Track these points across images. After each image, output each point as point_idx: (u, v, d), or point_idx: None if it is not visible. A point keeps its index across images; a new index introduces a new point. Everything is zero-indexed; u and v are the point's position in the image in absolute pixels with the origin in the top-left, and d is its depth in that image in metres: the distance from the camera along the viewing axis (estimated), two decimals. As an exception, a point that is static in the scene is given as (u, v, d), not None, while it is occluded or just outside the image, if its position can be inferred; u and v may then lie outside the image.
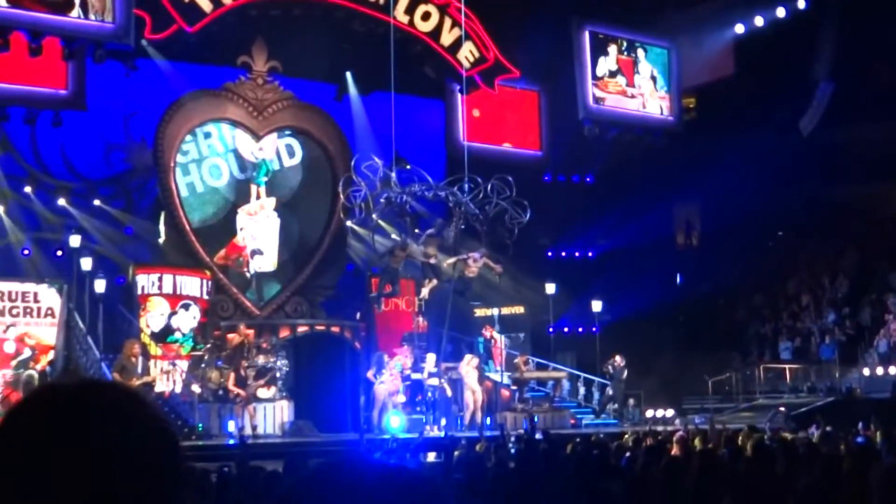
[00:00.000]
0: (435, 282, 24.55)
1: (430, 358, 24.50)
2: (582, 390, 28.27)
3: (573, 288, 29.60)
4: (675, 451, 13.82)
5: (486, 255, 23.96)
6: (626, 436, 16.97)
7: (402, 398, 23.81)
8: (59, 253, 26.13)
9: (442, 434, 21.77)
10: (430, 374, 24.17)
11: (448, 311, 24.72)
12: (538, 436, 16.75)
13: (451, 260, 24.31)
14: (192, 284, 25.84)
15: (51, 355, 23.43)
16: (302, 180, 29.21)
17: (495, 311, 28.32)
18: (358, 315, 27.40)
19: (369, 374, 23.88)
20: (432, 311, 26.61)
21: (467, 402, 24.09)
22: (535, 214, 23.46)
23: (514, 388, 25.96)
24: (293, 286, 28.51)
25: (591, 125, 30.44)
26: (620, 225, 32.73)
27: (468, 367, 24.52)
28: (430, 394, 24.04)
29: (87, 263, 24.41)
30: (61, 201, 26.67)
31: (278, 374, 23.40)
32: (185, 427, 21.18)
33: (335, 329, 26.43)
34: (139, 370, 19.79)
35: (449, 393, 24.34)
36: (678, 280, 34.57)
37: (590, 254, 34.29)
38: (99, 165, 27.64)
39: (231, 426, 21.84)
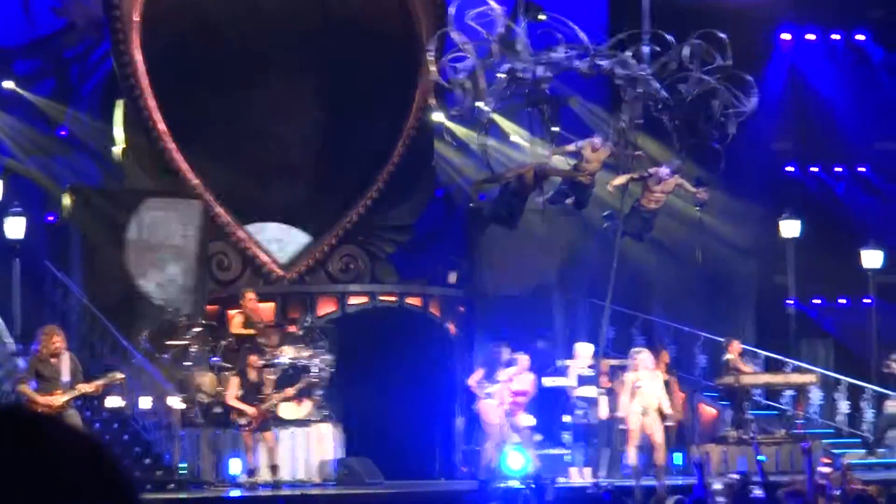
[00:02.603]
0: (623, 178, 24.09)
1: (583, 350, 24.39)
2: (844, 406, 27.98)
3: (830, 228, 29.21)
4: None
5: (679, 172, 23.80)
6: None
7: (528, 420, 23.76)
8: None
9: (593, 482, 21.76)
10: (582, 380, 24.09)
11: (613, 270, 24.57)
12: (758, 492, 16.66)
13: (621, 179, 24.10)
14: (170, 224, 26.01)
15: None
16: (354, 42, 29.10)
17: (693, 269, 28.18)
18: (453, 277, 27.35)
19: (472, 381, 23.86)
20: (581, 271, 26.48)
21: (632, 429, 23.89)
22: (766, 101, 23.18)
23: (722, 402, 25.79)
24: (341, 226, 28.48)
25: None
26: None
27: (640, 368, 24.26)
28: (579, 412, 24.00)
29: (-8, 190, 24.82)
30: (-51, 84, 27.09)
31: (316, 379, 23.48)
32: (157, 467, 21.49)
33: (413, 301, 26.52)
34: (67, 377, 19.55)
35: (605, 412, 24.17)
36: None
37: (861, 169, 33.73)
38: (13, 23, 27.91)
39: (235, 466, 22.00)
